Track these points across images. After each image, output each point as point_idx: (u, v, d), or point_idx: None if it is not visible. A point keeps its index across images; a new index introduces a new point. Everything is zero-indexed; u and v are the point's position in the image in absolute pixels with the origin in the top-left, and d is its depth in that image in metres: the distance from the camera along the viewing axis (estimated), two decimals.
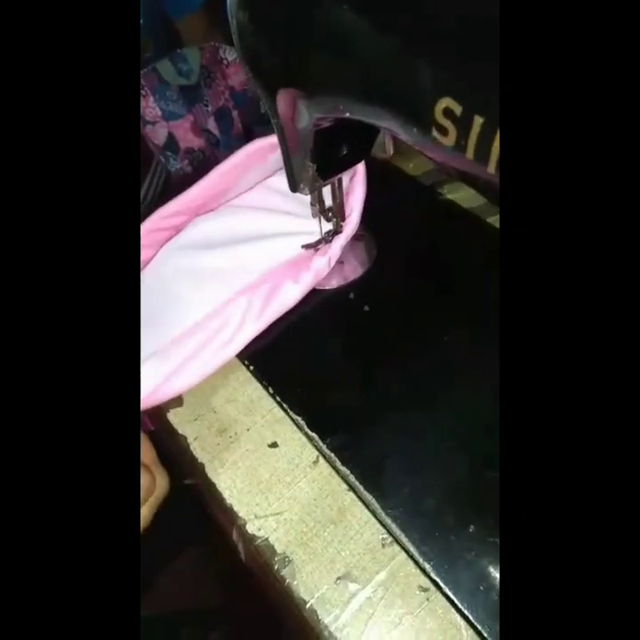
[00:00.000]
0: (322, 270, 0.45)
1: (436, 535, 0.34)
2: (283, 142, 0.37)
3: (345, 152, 0.37)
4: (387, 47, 0.24)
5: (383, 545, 0.39)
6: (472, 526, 0.34)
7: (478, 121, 0.21)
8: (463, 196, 0.53)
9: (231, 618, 0.68)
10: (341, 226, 0.48)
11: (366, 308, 0.44)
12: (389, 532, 0.37)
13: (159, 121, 0.92)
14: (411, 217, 0.49)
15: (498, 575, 0.32)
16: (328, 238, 0.48)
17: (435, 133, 0.23)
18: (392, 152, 0.45)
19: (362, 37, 0.25)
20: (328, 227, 0.47)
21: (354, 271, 0.48)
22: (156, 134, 0.92)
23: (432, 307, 0.43)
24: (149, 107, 0.91)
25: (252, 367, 0.43)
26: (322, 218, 0.46)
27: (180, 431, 0.46)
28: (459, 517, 0.35)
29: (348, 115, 0.28)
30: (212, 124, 0.95)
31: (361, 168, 0.46)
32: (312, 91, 0.30)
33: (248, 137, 0.95)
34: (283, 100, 0.34)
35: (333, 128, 0.34)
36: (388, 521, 0.36)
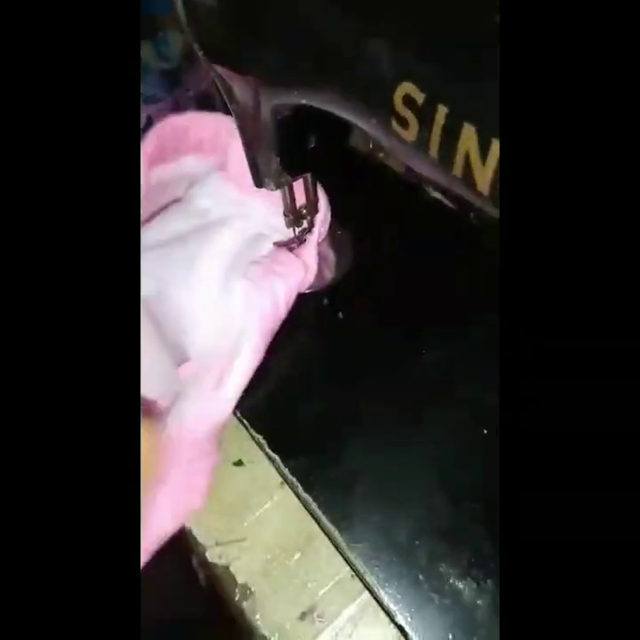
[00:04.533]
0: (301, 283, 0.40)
1: (403, 574, 0.31)
2: (243, 131, 0.33)
3: (313, 145, 0.33)
4: (341, 23, 0.20)
5: (352, 576, 0.36)
6: (443, 565, 0.31)
7: (442, 111, 0.17)
8: None
9: (212, 630, 0.65)
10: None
11: (341, 316, 0.40)
12: (353, 569, 0.33)
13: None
14: (392, 216, 0.45)
15: (470, 622, 0.29)
16: (302, 237, 0.44)
17: (394, 125, 0.19)
18: (371, 145, 0.41)
19: (315, 12, 0.21)
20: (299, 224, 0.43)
21: (330, 273, 0.44)
22: None
23: (413, 317, 0.39)
24: None
25: None
26: (292, 216, 0.42)
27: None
28: (430, 554, 0.31)
29: (304, 102, 0.24)
30: (193, 109, 0.90)
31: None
32: (265, 73, 0.26)
33: None
34: (239, 84, 0.29)
35: (298, 117, 0.30)
36: (352, 557, 0.32)
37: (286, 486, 0.39)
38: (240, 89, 0.30)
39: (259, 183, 0.36)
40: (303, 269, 0.39)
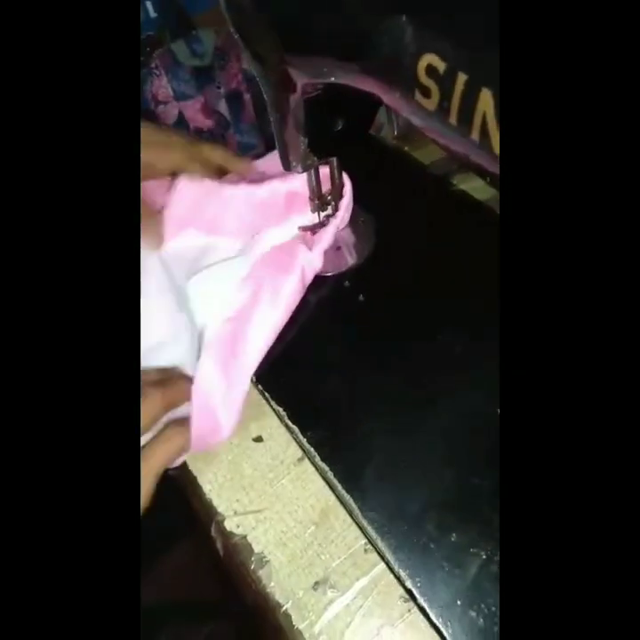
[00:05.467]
0: (313, 265, 0.42)
1: (414, 542, 0.32)
2: (274, 113, 0.34)
3: (340, 127, 0.34)
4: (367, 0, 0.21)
5: (365, 550, 0.37)
6: (454, 535, 0.32)
7: (462, 78, 0.18)
8: (475, 186, 0.49)
9: (225, 611, 0.66)
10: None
11: (361, 298, 0.41)
12: (366, 536, 0.34)
13: (170, 101, 0.90)
14: (417, 206, 0.46)
15: (477, 590, 0.30)
16: (326, 222, 0.45)
17: (418, 96, 0.20)
18: (396, 132, 0.42)
19: None
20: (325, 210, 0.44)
21: (351, 258, 0.45)
22: (167, 114, 0.90)
23: (431, 301, 0.40)
24: (162, 87, 0.89)
25: None
26: (318, 201, 0.43)
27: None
28: (441, 525, 0.32)
29: (333, 79, 0.26)
30: (223, 107, 0.93)
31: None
32: (296, 50, 0.27)
33: (259, 121, 0.92)
34: (270, 64, 0.31)
35: (326, 98, 0.32)
36: (365, 524, 0.33)
37: (304, 462, 0.40)
38: (270, 68, 0.31)
39: (287, 166, 0.37)
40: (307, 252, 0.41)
